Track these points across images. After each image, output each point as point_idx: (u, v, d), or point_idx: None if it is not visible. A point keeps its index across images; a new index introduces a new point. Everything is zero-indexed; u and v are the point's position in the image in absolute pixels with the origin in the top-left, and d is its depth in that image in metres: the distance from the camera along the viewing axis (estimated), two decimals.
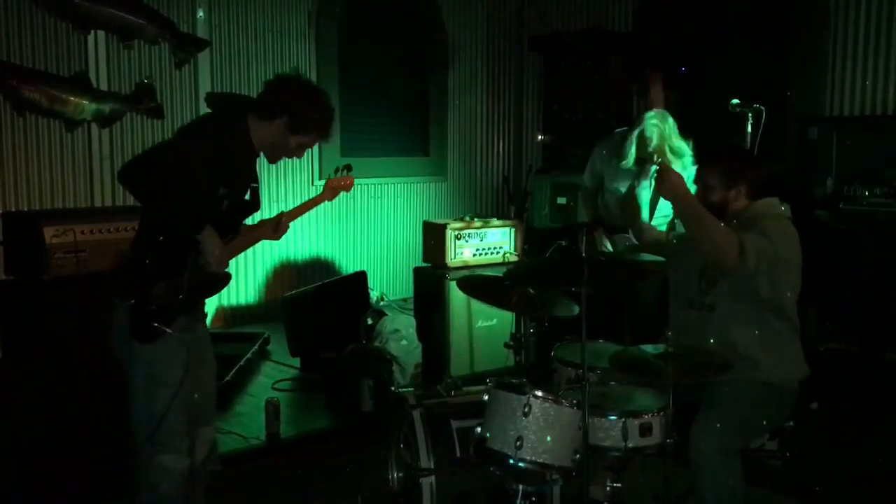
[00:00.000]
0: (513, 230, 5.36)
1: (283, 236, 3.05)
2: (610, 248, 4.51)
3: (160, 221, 2.57)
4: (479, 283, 3.40)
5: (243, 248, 2.96)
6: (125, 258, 2.71)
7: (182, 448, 2.65)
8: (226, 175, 2.68)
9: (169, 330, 2.53)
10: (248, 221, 2.96)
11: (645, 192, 4.30)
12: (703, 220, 2.86)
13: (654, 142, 4.21)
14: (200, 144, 2.61)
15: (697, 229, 2.88)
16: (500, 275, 4.76)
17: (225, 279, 2.71)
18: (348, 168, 3.17)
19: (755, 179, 3.08)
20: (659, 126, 4.21)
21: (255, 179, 2.86)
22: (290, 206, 3.10)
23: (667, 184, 2.94)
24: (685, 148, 4.30)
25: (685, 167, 4.24)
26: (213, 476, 3.09)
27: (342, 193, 3.17)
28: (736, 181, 3.03)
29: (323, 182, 3.22)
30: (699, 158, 3.18)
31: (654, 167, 4.12)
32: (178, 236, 2.56)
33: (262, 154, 2.83)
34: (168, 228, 2.55)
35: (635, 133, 4.27)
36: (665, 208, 3.20)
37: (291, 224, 3.05)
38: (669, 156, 4.20)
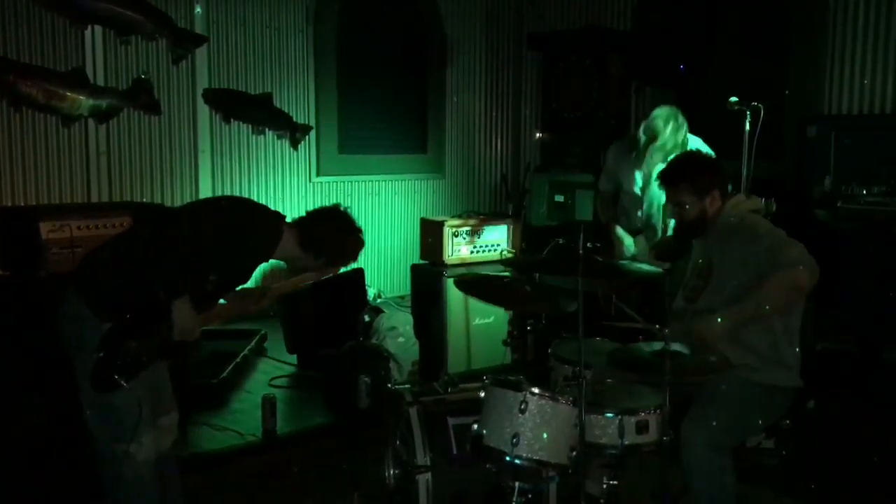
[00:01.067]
0: (510, 228, 5.35)
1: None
2: (631, 242, 4.48)
3: (152, 271, 2.56)
4: (476, 282, 3.38)
5: (224, 318, 2.98)
6: (102, 265, 2.68)
7: (142, 437, 2.64)
8: (225, 268, 2.73)
9: (126, 385, 2.54)
10: None
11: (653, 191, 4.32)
12: (758, 299, 2.80)
13: (664, 142, 4.21)
14: (229, 237, 2.65)
15: (767, 305, 2.82)
16: (498, 272, 4.79)
17: (191, 347, 2.76)
18: None
19: (724, 181, 3.12)
20: (664, 119, 4.21)
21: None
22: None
23: (708, 335, 2.83)
24: (692, 141, 4.31)
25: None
26: (199, 468, 3.07)
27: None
28: (707, 190, 3.03)
29: None
30: (663, 182, 3.16)
31: (653, 166, 4.14)
32: (159, 295, 2.57)
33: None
34: (152, 284, 2.56)
35: (642, 126, 4.28)
36: None
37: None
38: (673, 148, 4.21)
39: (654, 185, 4.23)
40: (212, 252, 2.61)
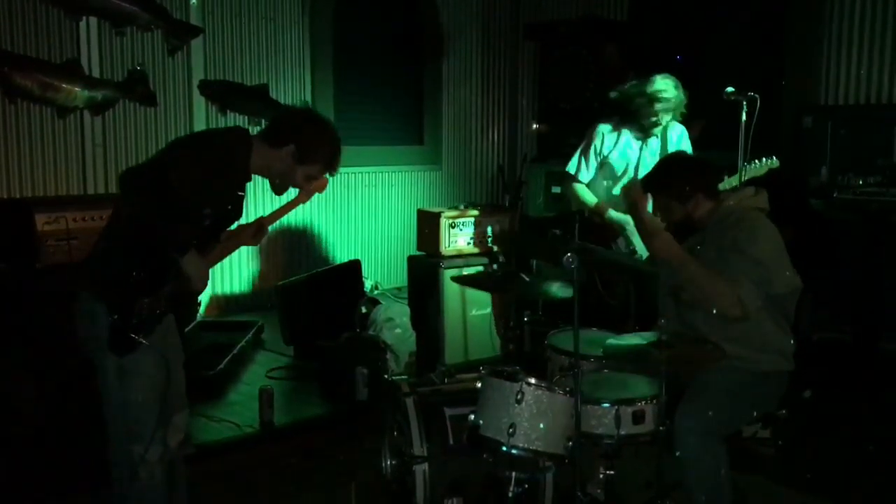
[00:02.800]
0: (507, 219, 5.34)
1: (267, 236, 3.04)
2: (626, 219, 4.38)
3: (150, 237, 2.54)
4: (473, 279, 3.37)
5: (223, 257, 2.94)
6: (98, 250, 2.67)
7: (157, 437, 2.65)
8: (215, 196, 2.69)
9: (146, 342, 2.54)
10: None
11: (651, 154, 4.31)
12: (699, 280, 2.86)
13: (670, 105, 4.22)
14: (197, 166, 2.58)
15: (697, 290, 2.89)
16: (495, 266, 4.80)
17: (201, 291, 2.73)
18: None
19: (708, 182, 3.10)
20: (669, 85, 4.22)
21: (241, 189, 2.85)
22: (285, 196, 3.06)
23: (658, 244, 2.94)
24: (679, 134, 4.34)
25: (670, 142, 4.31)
26: (197, 460, 3.07)
27: (317, 193, 3.08)
28: (689, 194, 3.02)
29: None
30: (645, 187, 3.18)
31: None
32: (166, 254, 2.55)
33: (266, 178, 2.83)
34: (158, 246, 2.54)
35: (648, 90, 4.25)
36: None
37: (289, 215, 3.03)
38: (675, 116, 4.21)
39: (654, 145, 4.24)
40: (198, 191, 2.57)
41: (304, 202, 3.05)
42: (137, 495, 2.66)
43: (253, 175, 2.81)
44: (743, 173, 4.05)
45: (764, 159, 4.12)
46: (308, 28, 6.65)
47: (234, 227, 2.94)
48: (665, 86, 4.25)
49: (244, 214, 2.92)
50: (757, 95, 4.10)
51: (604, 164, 4.51)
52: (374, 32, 7.14)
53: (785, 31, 5.90)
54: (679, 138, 4.44)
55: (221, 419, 4.22)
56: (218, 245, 2.83)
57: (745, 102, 4.10)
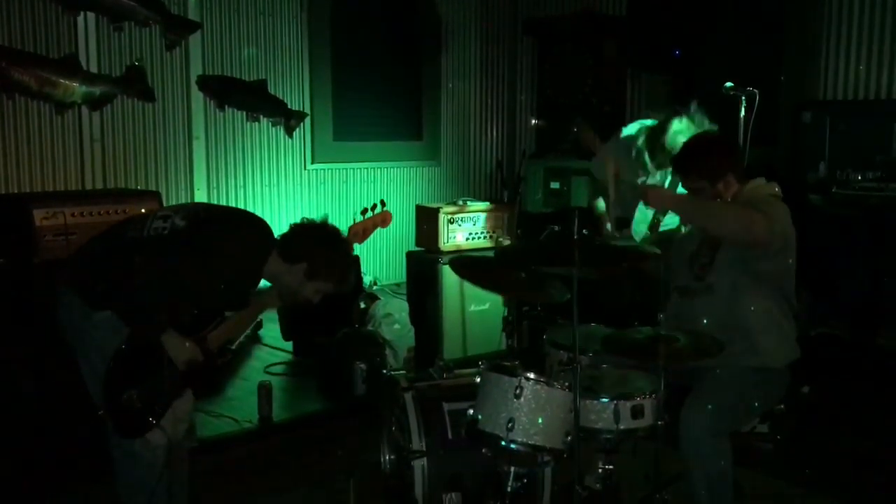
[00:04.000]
0: (506, 215, 5.34)
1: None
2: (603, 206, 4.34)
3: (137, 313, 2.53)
4: (470, 264, 3.36)
5: (242, 328, 2.99)
6: (84, 255, 2.68)
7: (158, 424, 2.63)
8: (205, 298, 2.68)
9: (160, 424, 2.56)
10: None
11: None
12: (711, 209, 2.87)
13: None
14: (200, 276, 2.57)
15: (713, 219, 2.87)
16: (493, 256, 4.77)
17: (215, 365, 2.72)
18: (382, 203, 3.11)
19: (737, 163, 3.07)
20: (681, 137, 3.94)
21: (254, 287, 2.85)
22: (283, 192, 3.05)
23: (653, 200, 2.93)
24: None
25: None
26: (196, 455, 3.06)
27: (322, 183, 3.08)
28: (719, 174, 2.98)
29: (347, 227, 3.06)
30: (676, 168, 3.16)
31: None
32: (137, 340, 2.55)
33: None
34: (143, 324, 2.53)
35: (661, 141, 4.04)
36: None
37: (287, 211, 3.01)
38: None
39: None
40: (189, 295, 2.58)
41: (359, 242, 3.05)
42: (138, 476, 2.65)
43: None
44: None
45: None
46: (306, 23, 6.64)
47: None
48: (679, 129, 4.06)
49: None
50: (755, 91, 4.09)
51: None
52: (373, 28, 7.13)
53: (784, 26, 5.90)
54: None
55: (220, 414, 4.22)
56: (228, 321, 2.80)
57: (743, 98, 4.08)
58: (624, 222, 4.43)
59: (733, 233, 2.84)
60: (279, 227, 2.81)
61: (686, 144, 3.24)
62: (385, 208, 3.05)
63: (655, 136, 4.10)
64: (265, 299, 2.89)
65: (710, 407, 2.79)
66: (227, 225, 2.75)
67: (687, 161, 3.08)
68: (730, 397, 2.85)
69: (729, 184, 2.99)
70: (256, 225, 2.77)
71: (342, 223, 2.93)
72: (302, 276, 2.72)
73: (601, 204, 4.39)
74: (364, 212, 3.04)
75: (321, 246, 2.75)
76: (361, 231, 3.02)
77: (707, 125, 4.01)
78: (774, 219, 2.81)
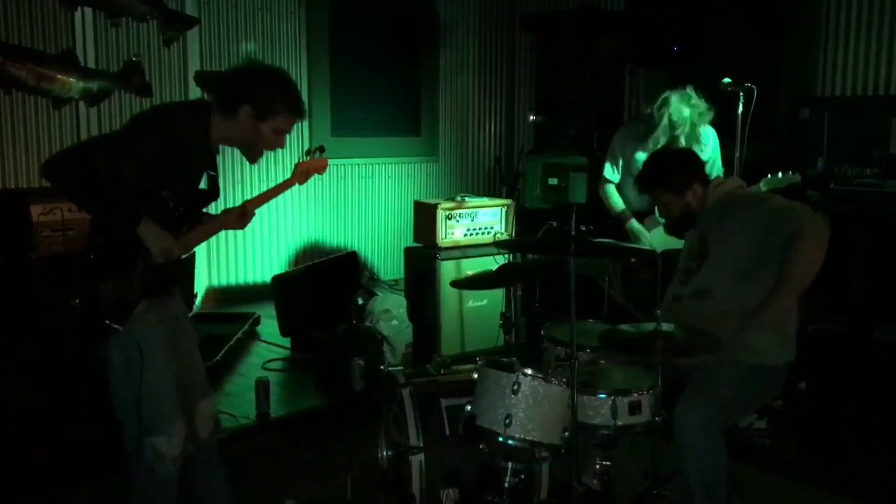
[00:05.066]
0: (504, 210, 5.34)
1: (266, 218, 2.97)
2: (649, 237, 4.36)
3: (94, 219, 2.49)
4: (473, 281, 3.35)
5: (205, 238, 2.79)
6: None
7: (174, 431, 2.57)
8: (167, 176, 2.54)
9: (119, 327, 2.46)
10: (213, 209, 2.83)
11: None
12: (801, 262, 2.90)
13: (686, 130, 4.12)
14: (137, 144, 2.45)
15: (812, 265, 2.92)
16: (491, 255, 4.79)
17: (179, 266, 2.65)
18: (321, 149, 2.93)
19: (699, 171, 3.14)
20: (685, 109, 4.10)
21: (213, 169, 2.72)
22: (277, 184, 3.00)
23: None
24: (707, 134, 4.25)
25: (705, 145, 4.21)
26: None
27: (315, 175, 2.96)
28: (686, 186, 3.05)
29: (294, 164, 2.98)
30: (641, 186, 3.21)
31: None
32: (116, 234, 2.47)
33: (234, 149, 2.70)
34: (102, 227, 2.47)
35: (664, 121, 4.14)
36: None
37: (286, 207, 2.99)
38: (694, 142, 4.14)
39: None
40: (148, 165, 2.44)
41: (299, 183, 2.91)
42: (151, 491, 2.58)
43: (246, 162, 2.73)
44: (763, 184, 4.02)
45: (789, 172, 4.08)
46: (304, 19, 6.63)
47: (219, 210, 2.83)
48: (677, 107, 4.14)
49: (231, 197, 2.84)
50: (754, 86, 4.09)
51: (630, 165, 4.43)
52: (371, 23, 7.12)
53: (782, 21, 5.89)
54: (706, 137, 4.34)
55: (218, 411, 4.20)
56: (199, 227, 2.70)
57: (741, 93, 4.09)
58: (643, 214, 4.45)
59: (823, 249, 2.92)
60: (277, 225, 2.78)
61: (647, 163, 3.31)
62: (324, 154, 2.93)
63: (660, 115, 4.14)
64: (233, 209, 2.78)
65: (704, 403, 2.80)
66: (159, 108, 2.78)
67: (651, 179, 3.15)
68: (724, 393, 2.85)
69: (696, 192, 3.07)
70: (189, 102, 2.71)
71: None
72: (251, 121, 2.53)
73: (635, 224, 4.42)
74: (309, 153, 2.92)
75: (253, 80, 2.55)
76: (305, 171, 2.89)
77: (704, 104, 4.05)
78: (800, 208, 2.87)
